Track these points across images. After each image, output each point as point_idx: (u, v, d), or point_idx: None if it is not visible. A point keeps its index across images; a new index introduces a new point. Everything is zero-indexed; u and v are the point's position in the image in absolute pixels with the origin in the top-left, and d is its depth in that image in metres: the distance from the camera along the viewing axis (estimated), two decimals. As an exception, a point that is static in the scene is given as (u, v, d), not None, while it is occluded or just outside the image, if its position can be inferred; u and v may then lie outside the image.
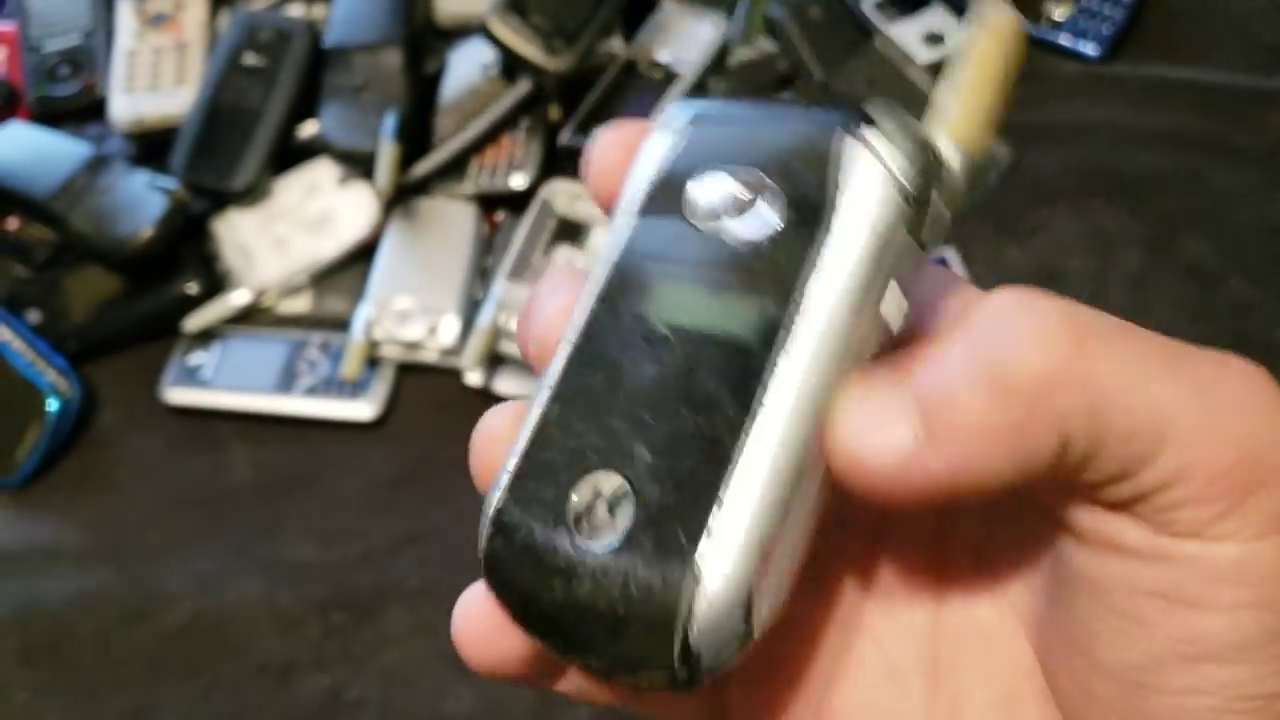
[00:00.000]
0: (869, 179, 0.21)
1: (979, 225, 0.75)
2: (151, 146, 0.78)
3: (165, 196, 0.72)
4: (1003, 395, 0.19)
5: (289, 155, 0.77)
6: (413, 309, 0.71)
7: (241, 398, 0.71)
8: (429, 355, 0.71)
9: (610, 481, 0.21)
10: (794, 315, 0.21)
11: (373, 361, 0.72)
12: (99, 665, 0.64)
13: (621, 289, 0.22)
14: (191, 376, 0.72)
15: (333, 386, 0.71)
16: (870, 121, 0.22)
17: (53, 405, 0.69)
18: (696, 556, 0.20)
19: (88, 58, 0.82)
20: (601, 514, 0.21)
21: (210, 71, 0.77)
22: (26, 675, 0.64)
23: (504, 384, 0.72)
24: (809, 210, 0.21)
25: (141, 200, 0.72)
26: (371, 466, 0.70)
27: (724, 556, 0.20)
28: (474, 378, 0.71)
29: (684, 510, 0.20)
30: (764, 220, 0.22)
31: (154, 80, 0.78)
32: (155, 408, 0.72)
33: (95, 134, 0.80)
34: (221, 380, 0.72)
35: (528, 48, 0.74)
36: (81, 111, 0.81)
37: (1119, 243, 0.72)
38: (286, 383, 0.71)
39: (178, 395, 0.71)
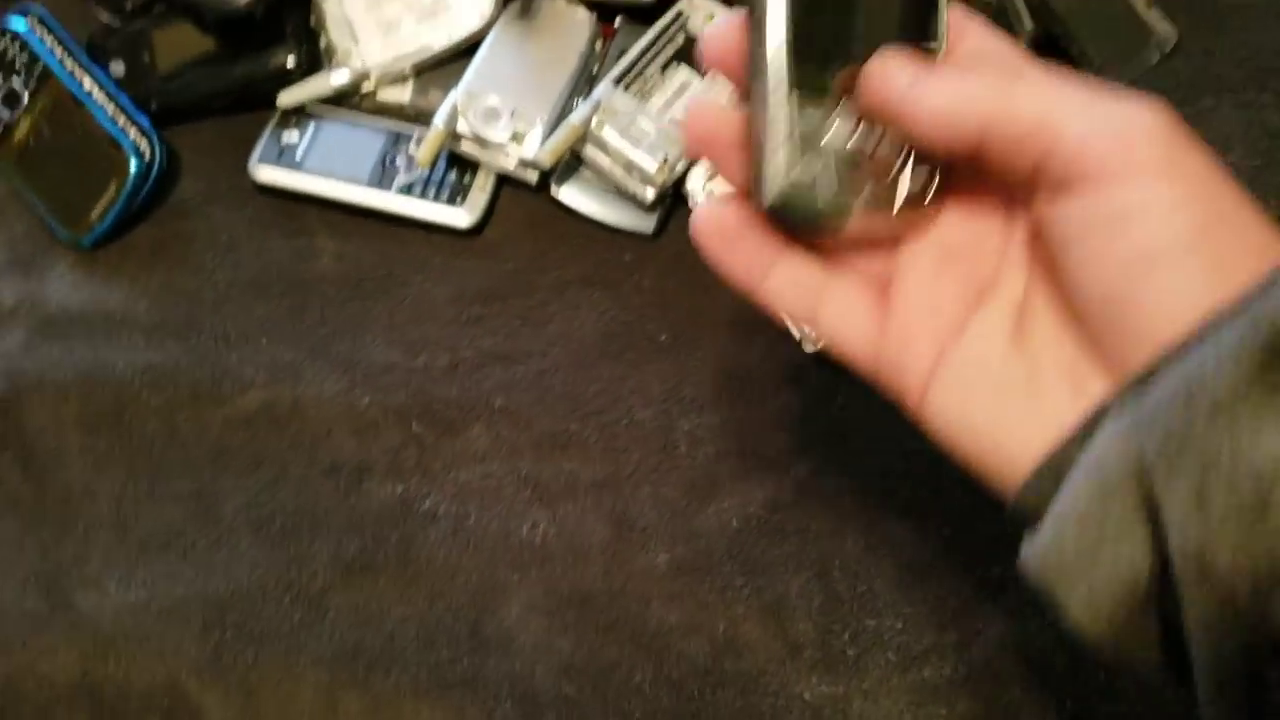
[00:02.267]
0: None
1: (1132, 108, 0.70)
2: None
3: (273, -44, 0.67)
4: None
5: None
6: (502, 110, 0.67)
7: (335, 185, 0.67)
8: (507, 162, 0.67)
9: None
10: None
11: (465, 163, 0.68)
12: (162, 443, 0.62)
13: None
14: (282, 155, 0.67)
15: (430, 187, 0.67)
16: None
17: (134, 165, 0.65)
18: None
19: None
20: None
21: None
22: (86, 442, 0.62)
23: (580, 199, 0.67)
24: None
25: (246, -43, 0.67)
26: (463, 278, 0.66)
27: None
28: (555, 186, 0.67)
29: None
30: None
31: None
32: (240, 183, 0.68)
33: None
34: (314, 163, 0.67)
35: None
36: None
37: (1285, 145, 0.67)
38: (382, 176, 0.67)
39: (266, 173, 0.67)
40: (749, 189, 0.37)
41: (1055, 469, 0.32)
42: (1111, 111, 0.31)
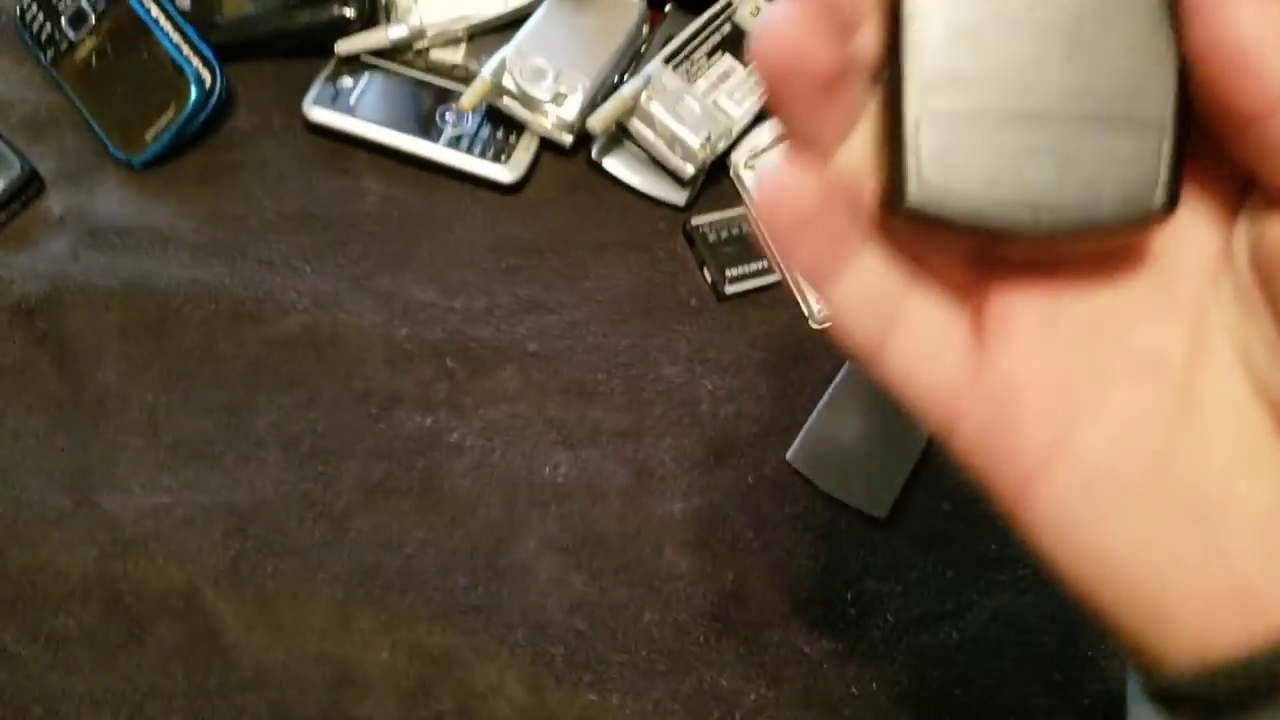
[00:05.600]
0: None
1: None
2: None
3: (345, -91, 0.69)
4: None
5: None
6: (548, 71, 0.69)
7: (385, 132, 0.69)
8: (543, 121, 0.69)
9: None
10: None
11: (510, 123, 0.70)
12: (199, 356, 0.63)
13: None
14: (336, 99, 0.70)
15: (476, 143, 0.69)
16: None
17: (195, 91, 0.67)
18: None
19: None
20: None
21: None
22: (124, 349, 0.63)
23: (621, 169, 0.70)
24: None
25: (319, -92, 0.70)
26: (503, 230, 0.68)
27: None
28: (598, 153, 0.70)
29: None
30: None
31: None
32: (293, 122, 0.70)
33: None
34: (366, 109, 0.69)
35: None
36: None
37: None
38: (430, 128, 0.69)
39: (319, 114, 0.69)
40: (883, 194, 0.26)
41: (1249, 674, 0.22)
42: None
